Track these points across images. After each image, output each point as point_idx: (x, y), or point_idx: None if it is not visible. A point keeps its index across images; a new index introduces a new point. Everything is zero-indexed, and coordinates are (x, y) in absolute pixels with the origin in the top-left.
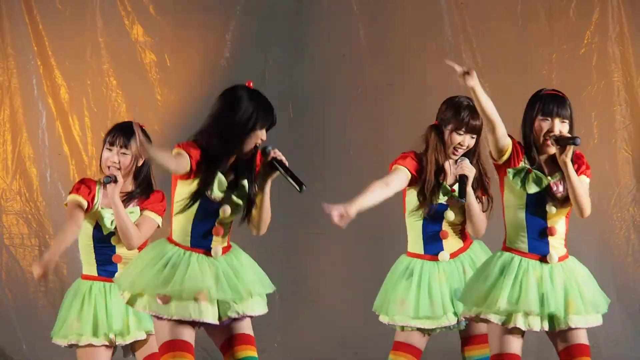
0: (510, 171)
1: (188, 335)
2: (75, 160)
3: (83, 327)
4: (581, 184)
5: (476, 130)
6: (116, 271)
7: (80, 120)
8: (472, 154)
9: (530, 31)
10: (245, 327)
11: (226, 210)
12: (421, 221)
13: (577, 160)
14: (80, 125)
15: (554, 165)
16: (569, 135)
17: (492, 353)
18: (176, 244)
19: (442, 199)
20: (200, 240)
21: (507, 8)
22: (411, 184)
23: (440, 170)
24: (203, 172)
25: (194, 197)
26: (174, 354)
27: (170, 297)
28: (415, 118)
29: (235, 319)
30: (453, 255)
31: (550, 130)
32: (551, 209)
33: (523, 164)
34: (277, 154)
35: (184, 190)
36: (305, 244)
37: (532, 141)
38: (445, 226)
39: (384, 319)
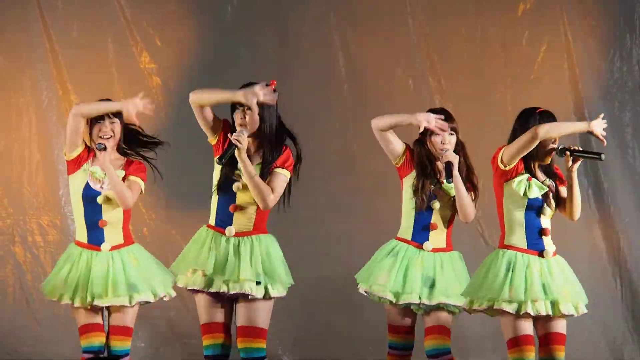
0: (514, 181)
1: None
2: None
3: (66, 289)
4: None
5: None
6: (103, 238)
7: None
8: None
9: (487, 57)
10: (243, 319)
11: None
12: (414, 211)
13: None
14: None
15: (546, 174)
16: (583, 149)
17: (507, 338)
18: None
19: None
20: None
21: (466, 37)
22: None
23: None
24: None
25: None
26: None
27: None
28: None
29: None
30: (435, 250)
31: (553, 142)
32: (546, 211)
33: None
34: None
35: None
36: None
37: (534, 152)
38: (435, 219)
39: (362, 287)
